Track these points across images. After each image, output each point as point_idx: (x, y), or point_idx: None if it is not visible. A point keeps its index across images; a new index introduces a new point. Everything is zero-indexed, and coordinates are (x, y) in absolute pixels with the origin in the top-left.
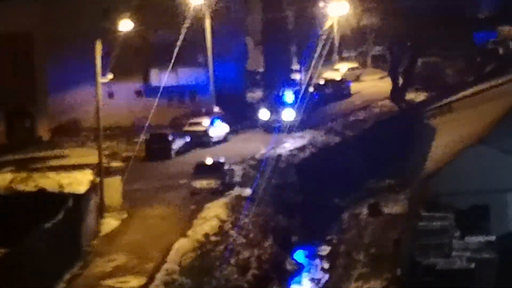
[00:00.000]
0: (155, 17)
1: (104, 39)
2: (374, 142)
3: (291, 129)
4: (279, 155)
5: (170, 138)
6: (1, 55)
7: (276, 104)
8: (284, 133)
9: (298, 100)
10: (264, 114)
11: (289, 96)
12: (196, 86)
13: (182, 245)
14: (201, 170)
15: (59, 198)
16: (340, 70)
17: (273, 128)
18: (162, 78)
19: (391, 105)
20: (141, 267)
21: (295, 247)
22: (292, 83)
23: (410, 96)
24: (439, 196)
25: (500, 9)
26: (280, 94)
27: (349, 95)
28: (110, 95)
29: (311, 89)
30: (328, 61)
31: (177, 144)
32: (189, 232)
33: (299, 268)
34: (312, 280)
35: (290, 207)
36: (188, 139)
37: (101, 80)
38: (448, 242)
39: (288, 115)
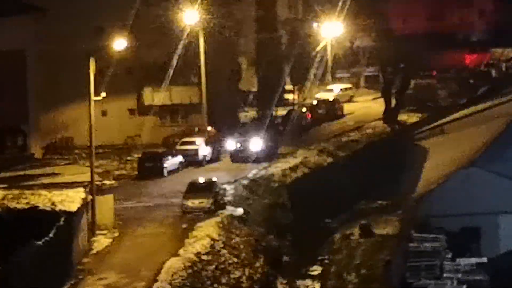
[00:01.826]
0: (149, 36)
1: (98, 57)
2: (366, 163)
3: (258, 159)
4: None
5: (163, 156)
6: None
7: (245, 133)
8: (249, 164)
9: (266, 128)
10: (230, 144)
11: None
12: (189, 105)
13: (173, 264)
14: (194, 189)
15: (51, 216)
16: (333, 90)
17: (240, 158)
18: (155, 96)
19: (383, 126)
20: (132, 286)
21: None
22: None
23: (403, 117)
24: (431, 218)
25: (492, 32)
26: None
27: (342, 115)
28: (103, 113)
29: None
30: (321, 82)
31: (170, 162)
32: (181, 251)
33: None
34: None
35: (281, 227)
36: (180, 158)
37: (94, 98)
38: (439, 264)
39: (255, 144)
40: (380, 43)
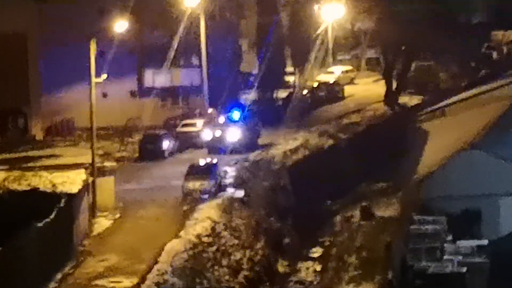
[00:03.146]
0: (150, 18)
1: (99, 40)
2: (367, 145)
3: (234, 149)
4: (273, 157)
5: (164, 138)
6: None
7: (224, 123)
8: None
9: (245, 118)
10: (207, 134)
11: (236, 114)
12: (190, 87)
13: (174, 246)
14: (194, 171)
15: (52, 197)
16: (334, 72)
17: (216, 149)
18: (156, 79)
19: (384, 109)
20: (133, 267)
21: (287, 249)
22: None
23: (404, 99)
24: (432, 200)
25: (494, 14)
26: (228, 112)
27: (342, 97)
28: (104, 95)
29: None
30: (322, 64)
31: (171, 144)
32: (182, 233)
33: (291, 270)
34: (304, 282)
35: (282, 209)
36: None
37: (95, 80)
38: (440, 246)
39: (232, 134)
40: (381, 26)
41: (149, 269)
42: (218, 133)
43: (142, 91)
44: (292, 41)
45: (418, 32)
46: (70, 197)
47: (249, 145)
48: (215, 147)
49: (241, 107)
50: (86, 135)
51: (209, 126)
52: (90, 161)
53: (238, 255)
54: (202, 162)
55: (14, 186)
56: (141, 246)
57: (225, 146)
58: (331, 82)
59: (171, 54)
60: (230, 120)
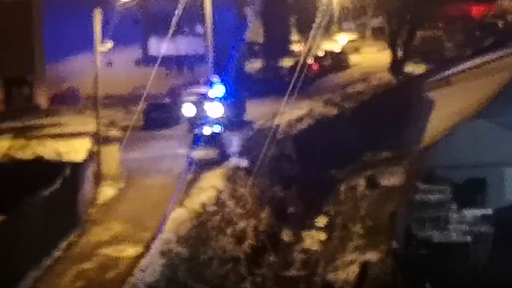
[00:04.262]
0: None
1: (103, 8)
2: (372, 114)
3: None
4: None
5: (169, 107)
6: None
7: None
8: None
9: (230, 93)
10: (188, 110)
11: (219, 89)
12: (195, 56)
13: (179, 215)
14: (199, 140)
15: (57, 166)
16: (339, 41)
17: (198, 125)
18: (160, 47)
19: (389, 78)
20: (138, 236)
21: (291, 218)
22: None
23: (409, 68)
24: (436, 169)
25: None
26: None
27: (347, 66)
28: (109, 63)
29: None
30: (327, 33)
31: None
32: (186, 202)
33: (296, 239)
34: (309, 250)
35: (287, 178)
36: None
37: (100, 48)
38: (445, 215)
39: (215, 110)
40: None
41: (154, 238)
42: (198, 108)
43: (147, 60)
44: (297, 10)
45: (423, 0)
46: (75, 165)
47: (233, 123)
48: (197, 123)
49: (225, 81)
50: (91, 103)
51: (190, 100)
52: (95, 129)
53: (242, 224)
54: (207, 131)
55: (19, 155)
56: (146, 215)
57: (207, 122)
58: (336, 51)
59: (176, 22)
60: (212, 95)
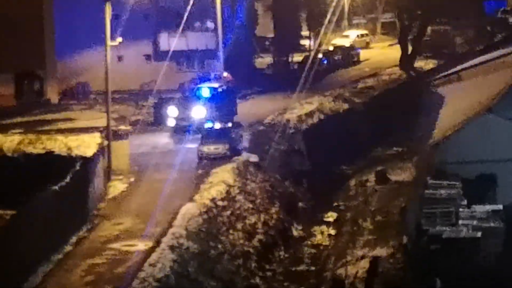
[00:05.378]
0: None
1: (114, 2)
2: (382, 110)
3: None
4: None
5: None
6: (10, 18)
7: (190, 99)
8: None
9: (216, 95)
10: (172, 112)
11: (205, 91)
12: (205, 51)
13: (189, 210)
14: (209, 134)
15: (67, 161)
16: (349, 36)
17: (181, 127)
18: (171, 42)
19: (400, 73)
20: (148, 231)
21: (301, 213)
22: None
23: (419, 64)
24: (447, 165)
25: None
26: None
27: (358, 62)
28: (119, 58)
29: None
30: (338, 28)
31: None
32: (196, 197)
33: (306, 234)
34: (319, 245)
35: (297, 173)
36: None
37: (110, 43)
38: (455, 211)
39: (198, 112)
40: None
41: (164, 233)
42: (182, 110)
43: (158, 55)
44: (308, 5)
45: None
46: (85, 160)
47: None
48: (180, 127)
49: (214, 80)
50: (101, 98)
51: (174, 102)
52: (105, 124)
53: (252, 219)
54: (217, 126)
55: (30, 150)
56: (156, 210)
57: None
58: (347, 46)
59: (187, 17)
60: (198, 97)
